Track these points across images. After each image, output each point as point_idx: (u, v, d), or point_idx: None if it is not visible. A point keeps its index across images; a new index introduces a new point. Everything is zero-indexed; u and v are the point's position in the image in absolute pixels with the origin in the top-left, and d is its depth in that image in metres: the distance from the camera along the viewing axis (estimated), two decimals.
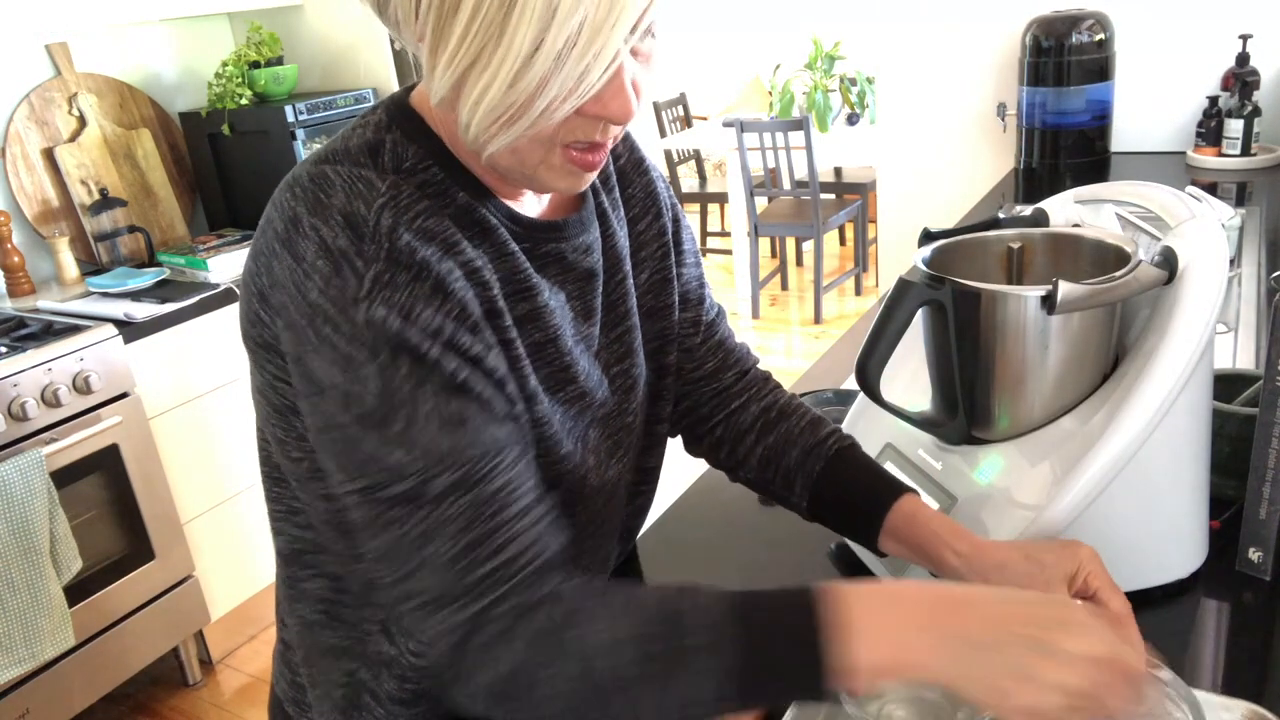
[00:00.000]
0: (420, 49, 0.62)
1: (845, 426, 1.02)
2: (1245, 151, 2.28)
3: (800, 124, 4.06)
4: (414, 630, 0.64)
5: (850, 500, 0.85)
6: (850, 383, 1.22)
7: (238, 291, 2.42)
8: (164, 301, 2.23)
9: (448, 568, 0.61)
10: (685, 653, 0.59)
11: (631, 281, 0.82)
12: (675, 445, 0.96)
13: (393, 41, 2.78)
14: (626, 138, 0.86)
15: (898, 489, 0.82)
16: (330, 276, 0.60)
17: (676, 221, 0.88)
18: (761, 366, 0.97)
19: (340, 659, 0.78)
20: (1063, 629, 0.58)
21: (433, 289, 0.62)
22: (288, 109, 2.51)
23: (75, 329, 2.06)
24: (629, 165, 0.85)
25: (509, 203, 0.72)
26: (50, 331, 2.06)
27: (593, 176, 0.69)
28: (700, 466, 1.23)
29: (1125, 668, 0.58)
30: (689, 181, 5.58)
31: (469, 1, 0.57)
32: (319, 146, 0.70)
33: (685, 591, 0.61)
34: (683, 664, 0.59)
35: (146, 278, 2.35)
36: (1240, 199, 2.08)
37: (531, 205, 0.75)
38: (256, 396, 0.71)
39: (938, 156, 2.84)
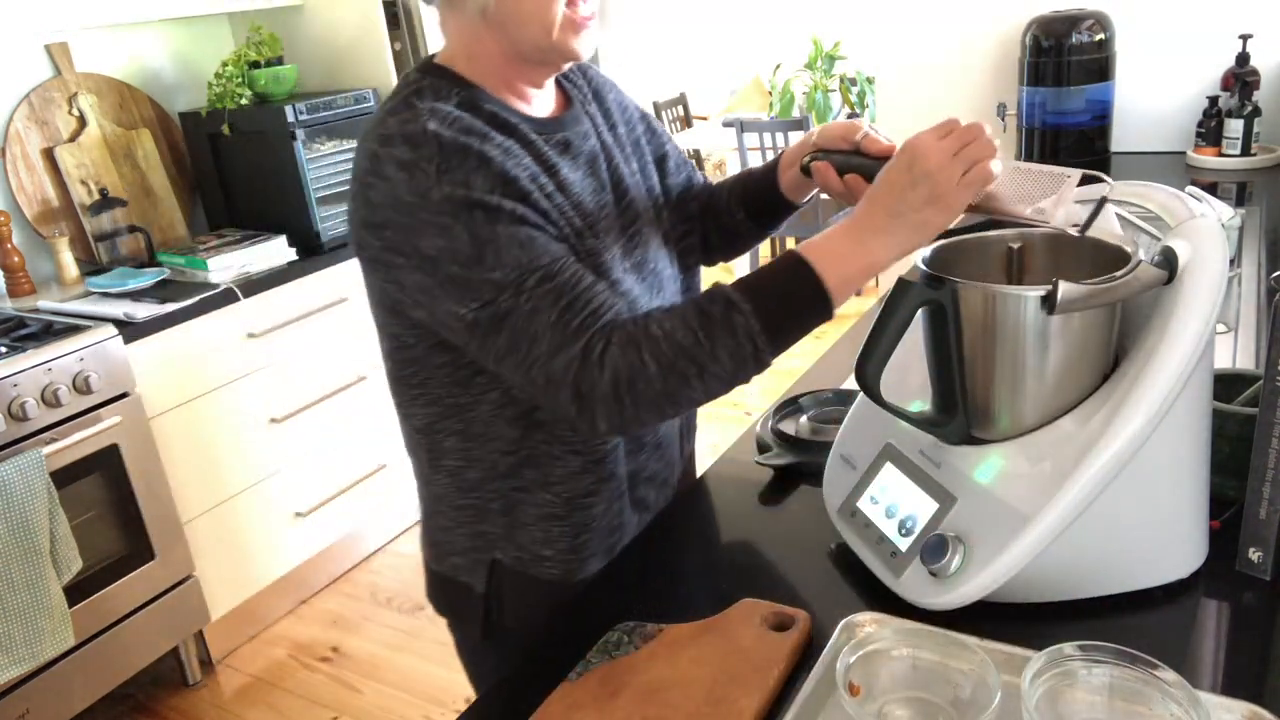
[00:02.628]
0: None
1: (845, 427, 1.03)
2: (1245, 151, 2.28)
3: (800, 124, 4.06)
4: (544, 387, 0.87)
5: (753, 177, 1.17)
6: (850, 383, 1.22)
7: (237, 292, 2.41)
8: (164, 301, 2.23)
9: (554, 328, 0.86)
10: (722, 320, 0.85)
11: (624, 167, 1.07)
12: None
13: (393, 41, 2.78)
14: (587, 71, 1.13)
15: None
16: (408, 180, 0.86)
17: (645, 119, 1.17)
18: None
19: (486, 484, 1.02)
20: (915, 169, 0.84)
21: (478, 163, 0.87)
22: (288, 109, 2.50)
23: (75, 329, 2.06)
24: (594, 90, 1.11)
25: (525, 108, 0.99)
26: (50, 331, 2.06)
27: (589, 41, 0.95)
28: (699, 469, 1.23)
29: (956, 131, 0.85)
30: None
31: None
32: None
33: (708, 293, 0.88)
34: (729, 328, 0.85)
35: (146, 278, 2.35)
36: (1240, 199, 2.08)
37: (540, 110, 1.01)
38: (375, 309, 0.98)
39: None
